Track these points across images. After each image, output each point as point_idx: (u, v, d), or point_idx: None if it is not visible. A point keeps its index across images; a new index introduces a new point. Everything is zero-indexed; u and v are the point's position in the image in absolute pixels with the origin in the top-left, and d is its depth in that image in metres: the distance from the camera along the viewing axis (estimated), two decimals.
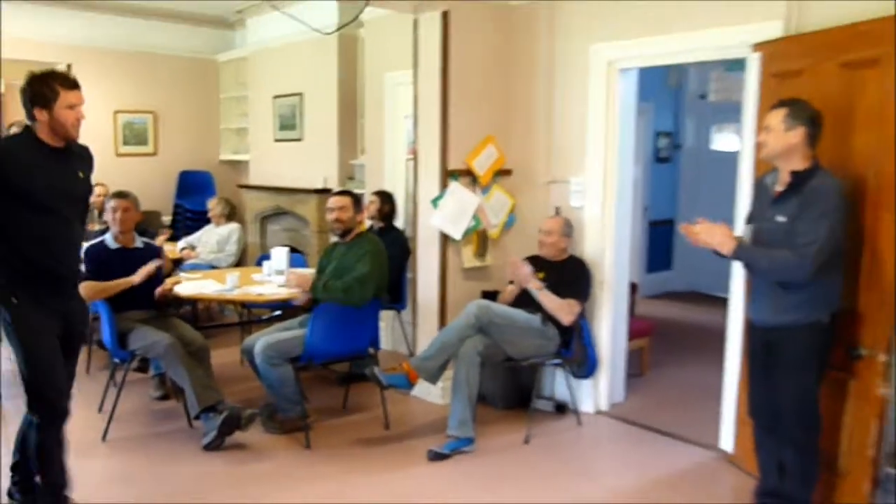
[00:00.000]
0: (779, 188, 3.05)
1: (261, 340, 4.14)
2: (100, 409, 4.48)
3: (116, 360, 4.32)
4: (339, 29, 5.45)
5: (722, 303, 4.31)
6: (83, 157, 3.15)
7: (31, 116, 2.91)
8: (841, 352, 3.12)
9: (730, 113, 6.60)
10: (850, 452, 3.20)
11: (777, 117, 2.97)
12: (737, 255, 3.00)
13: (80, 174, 3.08)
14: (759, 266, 3.02)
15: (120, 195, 4.42)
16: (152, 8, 7.60)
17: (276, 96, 7.43)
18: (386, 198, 5.50)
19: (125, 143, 7.93)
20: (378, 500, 3.55)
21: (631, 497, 3.62)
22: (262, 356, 4.06)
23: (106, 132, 7.80)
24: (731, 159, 4.33)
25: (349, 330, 4.22)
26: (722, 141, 8.35)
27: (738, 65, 4.18)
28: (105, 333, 4.22)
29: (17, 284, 2.92)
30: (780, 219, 2.97)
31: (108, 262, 4.28)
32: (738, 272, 3.89)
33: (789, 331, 3.02)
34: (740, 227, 3.48)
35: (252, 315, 6.00)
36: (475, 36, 4.75)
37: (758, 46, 3.71)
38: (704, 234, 3.02)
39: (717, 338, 4.28)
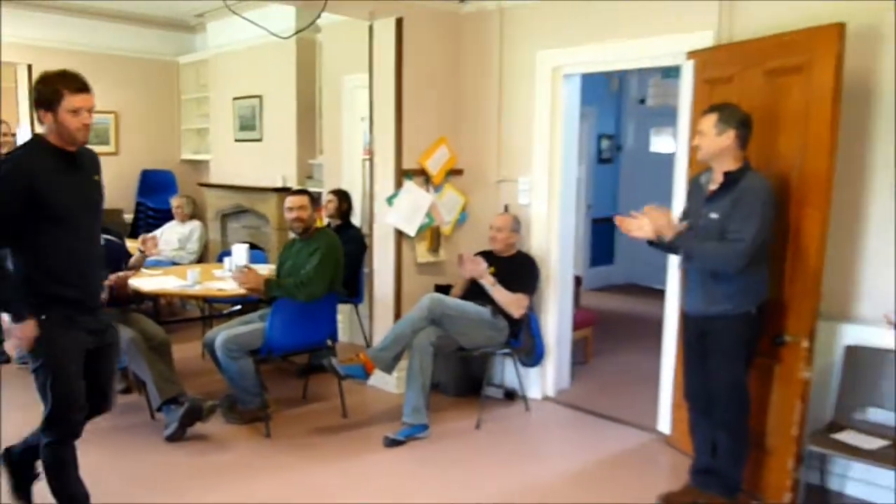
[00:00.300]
0: (712, 187, 3.10)
1: (221, 334, 4.07)
2: None
3: None
4: (295, 34, 5.38)
5: (659, 294, 4.38)
6: (93, 160, 2.87)
7: (39, 119, 2.67)
8: (768, 339, 3.20)
9: (667, 116, 6.70)
10: (777, 432, 3.29)
11: (709, 122, 3.02)
12: (678, 239, 3.04)
13: (95, 178, 2.85)
14: (695, 253, 3.05)
15: None
16: (114, 10, 7.37)
17: (236, 98, 7.28)
18: (343, 196, 5.44)
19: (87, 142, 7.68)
20: (337, 485, 3.52)
21: (576, 477, 3.66)
22: (223, 349, 3.99)
23: None
24: (668, 160, 4.39)
25: (308, 323, 4.16)
26: (660, 143, 8.47)
27: (674, 71, 4.25)
28: None
29: (45, 302, 2.66)
30: (714, 215, 3.03)
31: None
32: (673, 266, 3.95)
33: (721, 320, 3.08)
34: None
35: (213, 310, 5.89)
36: (428, 42, 4.73)
37: (691, 54, 3.77)
38: (653, 217, 3.05)
39: (655, 327, 4.35)
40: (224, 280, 4.73)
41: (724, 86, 3.50)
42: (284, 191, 6.26)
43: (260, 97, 7.01)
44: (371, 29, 4.68)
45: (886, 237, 3.29)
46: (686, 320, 3.33)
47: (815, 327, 3.14)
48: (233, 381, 4.09)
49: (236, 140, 7.38)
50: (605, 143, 8.61)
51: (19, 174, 2.59)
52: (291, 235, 4.54)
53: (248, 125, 7.21)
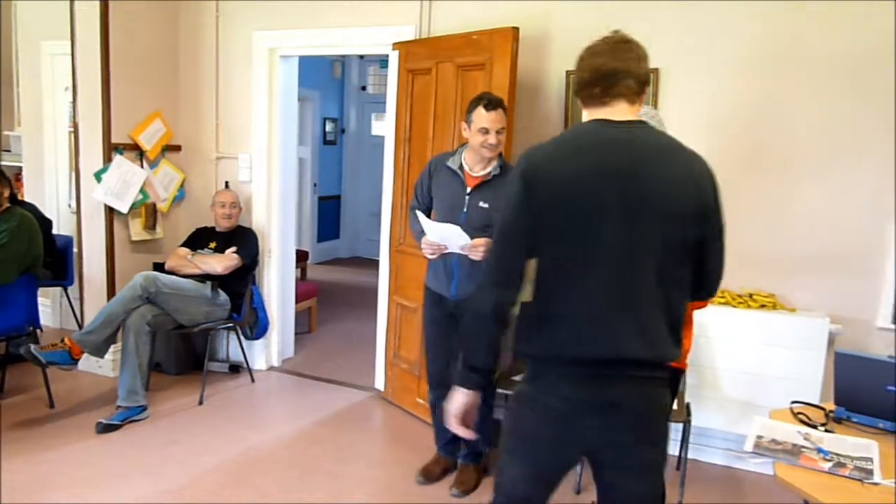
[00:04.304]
0: None
1: None
2: None
3: None
4: None
5: (377, 264, 4.49)
6: None
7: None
8: None
9: (385, 103, 6.86)
10: None
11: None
12: None
13: None
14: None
15: None
16: None
17: None
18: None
19: None
20: (41, 478, 3.07)
21: (298, 439, 3.62)
22: None
23: None
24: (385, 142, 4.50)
25: None
26: (379, 127, 8.69)
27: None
28: None
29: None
30: None
31: None
32: (386, 239, 4.07)
33: (467, 301, 2.97)
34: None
35: None
36: (141, 13, 4.26)
37: (395, 45, 3.88)
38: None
39: (374, 295, 4.45)
40: None
41: (425, 76, 3.66)
42: None
43: None
44: None
45: None
46: (437, 299, 3.05)
47: None
48: None
49: None
50: (329, 126, 8.60)
51: None
52: None
53: None
